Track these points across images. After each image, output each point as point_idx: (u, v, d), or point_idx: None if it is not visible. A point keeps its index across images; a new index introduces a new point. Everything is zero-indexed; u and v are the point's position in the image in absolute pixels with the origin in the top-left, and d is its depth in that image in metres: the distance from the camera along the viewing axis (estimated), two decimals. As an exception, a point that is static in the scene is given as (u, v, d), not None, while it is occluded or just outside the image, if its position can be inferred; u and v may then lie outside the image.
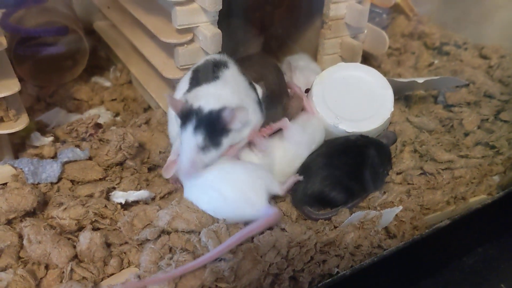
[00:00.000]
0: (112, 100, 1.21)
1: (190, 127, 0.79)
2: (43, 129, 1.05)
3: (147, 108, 1.19)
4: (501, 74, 1.25)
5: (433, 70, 1.32)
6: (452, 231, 0.97)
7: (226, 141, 0.80)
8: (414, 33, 1.49)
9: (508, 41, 1.40)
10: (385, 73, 1.28)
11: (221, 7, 0.93)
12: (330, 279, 0.82)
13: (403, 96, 1.18)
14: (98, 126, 1.04)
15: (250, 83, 0.90)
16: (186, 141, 0.79)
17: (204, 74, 0.87)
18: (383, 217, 0.85)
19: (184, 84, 0.89)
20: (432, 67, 1.35)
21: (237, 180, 0.80)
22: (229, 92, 0.82)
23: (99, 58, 1.37)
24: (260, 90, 0.93)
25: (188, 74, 0.91)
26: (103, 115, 1.14)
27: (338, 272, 0.82)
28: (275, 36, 1.35)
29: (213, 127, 0.79)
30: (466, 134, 1.06)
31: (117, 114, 1.17)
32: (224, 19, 1.11)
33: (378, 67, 1.31)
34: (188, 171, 0.78)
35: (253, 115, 0.85)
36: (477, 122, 1.07)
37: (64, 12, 1.25)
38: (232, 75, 0.88)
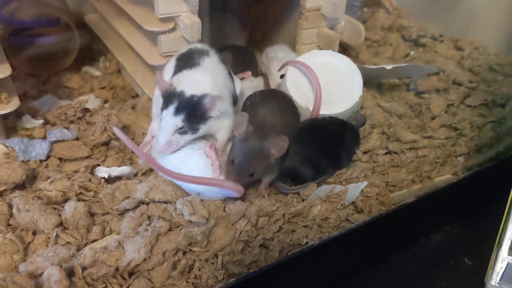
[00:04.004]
0: (102, 88, 1.26)
1: (171, 108, 0.83)
2: (34, 114, 1.11)
3: (135, 96, 1.24)
4: (471, 64, 1.31)
5: (408, 61, 1.39)
6: (418, 208, 1.03)
7: (203, 128, 0.85)
8: (393, 26, 1.55)
9: (491, 39, 1.46)
10: (362, 63, 1.35)
11: (200, -4, 1.00)
12: (299, 249, 0.88)
13: (377, 83, 1.24)
14: (86, 110, 1.10)
15: (229, 73, 0.96)
16: (165, 121, 0.84)
17: (186, 61, 0.92)
18: (348, 192, 0.91)
19: (169, 70, 0.95)
20: (408, 58, 1.41)
21: (195, 165, 0.85)
22: (209, 79, 0.88)
23: (90, 50, 1.43)
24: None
25: (172, 61, 0.96)
26: (93, 102, 1.20)
27: (307, 243, 0.89)
28: (258, 28, 1.42)
29: (193, 111, 0.83)
30: (433, 118, 1.12)
31: (106, 101, 1.23)
32: (209, 12, 1.18)
33: (356, 58, 1.38)
34: (162, 150, 0.84)
35: (228, 107, 0.90)
36: (443, 106, 1.13)
37: (56, 4, 1.31)
38: (212, 63, 0.93)
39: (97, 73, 1.34)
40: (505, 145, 1.13)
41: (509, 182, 0.98)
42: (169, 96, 0.84)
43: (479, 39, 1.47)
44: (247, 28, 1.42)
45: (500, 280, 0.91)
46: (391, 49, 1.44)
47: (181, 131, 0.83)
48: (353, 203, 0.93)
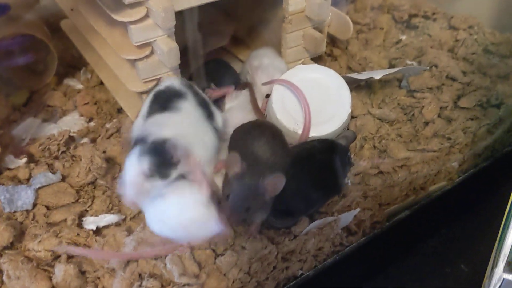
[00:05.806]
0: (85, 104, 1.23)
1: (136, 152, 0.79)
2: (18, 145, 1.09)
3: (120, 109, 1.21)
4: (465, 52, 1.26)
5: (400, 48, 1.34)
6: (413, 219, 1.02)
7: (175, 172, 0.81)
8: (383, 5, 1.48)
9: (486, 11, 1.41)
10: (352, 55, 1.30)
11: (175, 22, 0.94)
12: (294, 281, 0.88)
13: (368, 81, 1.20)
14: (70, 139, 1.08)
15: (209, 115, 0.93)
16: (129, 168, 0.79)
17: (161, 105, 0.89)
18: (341, 220, 0.90)
19: (145, 107, 0.92)
20: (400, 44, 1.35)
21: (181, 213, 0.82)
22: (181, 125, 0.86)
23: (71, 57, 1.38)
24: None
25: (150, 97, 0.93)
26: (76, 122, 1.18)
27: (302, 274, 0.88)
28: (243, 21, 1.36)
29: (160, 157, 0.79)
30: (426, 123, 1.08)
31: (91, 119, 1.20)
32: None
33: (345, 49, 1.33)
34: (131, 202, 0.80)
35: (204, 150, 0.88)
36: (436, 110, 1.09)
37: (29, 20, 1.26)
38: (187, 107, 0.90)
39: (79, 86, 1.30)
40: (500, 141, 1.10)
41: (505, 181, 0.97)
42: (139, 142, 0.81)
43: (474, 11, 1.41)
44: (231, 20, 1.36)
45: (495, 295, 0.91)
46: (382, 34, 1.38)
47: (150, 178, 0.79)
48: (346, 226, 0.92)
